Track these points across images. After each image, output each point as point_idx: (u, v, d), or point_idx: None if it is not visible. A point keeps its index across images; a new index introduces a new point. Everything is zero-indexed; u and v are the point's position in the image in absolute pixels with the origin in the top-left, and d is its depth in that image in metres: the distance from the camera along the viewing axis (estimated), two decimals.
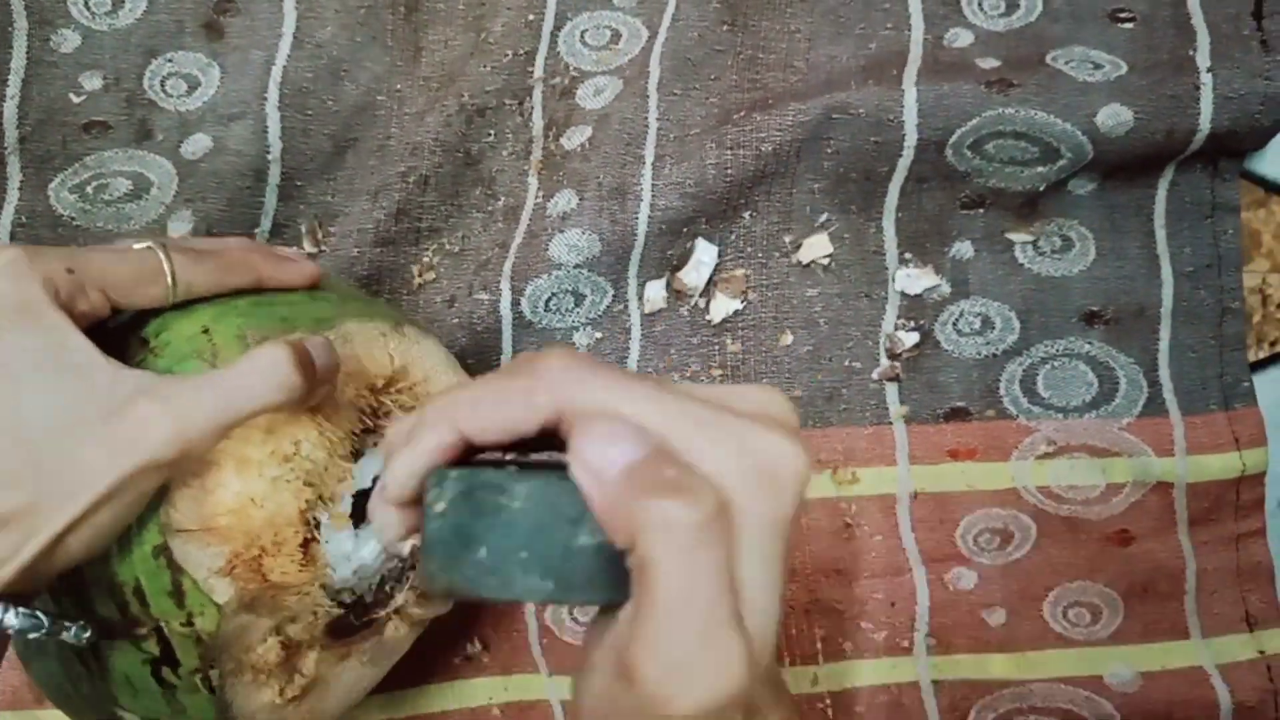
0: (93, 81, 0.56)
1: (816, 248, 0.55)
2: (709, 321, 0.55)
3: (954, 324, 0.55)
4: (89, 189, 0.55)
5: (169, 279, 0.39)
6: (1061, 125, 0.51)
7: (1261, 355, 0.55)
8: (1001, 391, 0.55)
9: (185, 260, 0.40)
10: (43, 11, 0.56)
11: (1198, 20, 0.54)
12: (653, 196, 0.54)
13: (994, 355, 0.55)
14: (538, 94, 0.57)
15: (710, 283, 0.55)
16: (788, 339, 0.55)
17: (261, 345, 0.37)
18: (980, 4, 0.56)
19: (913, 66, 0.53)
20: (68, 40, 0.56)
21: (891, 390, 0.55)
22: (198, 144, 0.54)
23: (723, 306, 0.55)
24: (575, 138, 0.56)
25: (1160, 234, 0.55)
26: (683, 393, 0.29)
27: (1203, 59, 0.52)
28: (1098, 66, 0.52)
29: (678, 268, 0.55)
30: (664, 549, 0.26)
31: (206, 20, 0.57)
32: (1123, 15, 0.55)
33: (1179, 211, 0.54)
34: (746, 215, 0.55)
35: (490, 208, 0.57)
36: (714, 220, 0.55)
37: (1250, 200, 0.55)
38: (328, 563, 0.41)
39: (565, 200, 0.55)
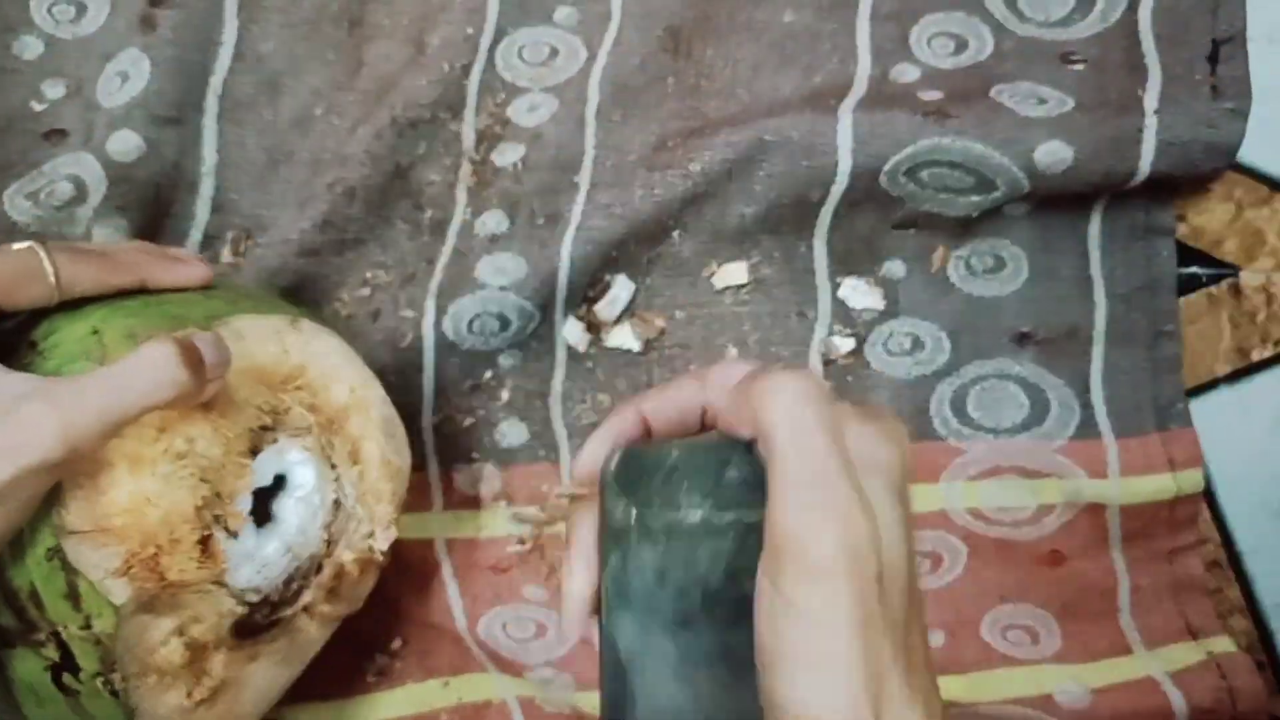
0: (55, 90, 0.57)
1: (732, 275, 0.55)
2: (628, 349, 0.56)
3: (884, 344, 0.55)
4: (41, 195, 0.56)
5: (51, 278, 0.40)
6: (999, 159, 0.50)
7: (1266, 354, 0.54)
8: (932, 412, 0.54)
9: (67, 259, 0.40)
10: (5, 18, 0.57)
11: (1151, 60, 0.53)
12: (581, 218, 0.54)
13: (924, 376, 0.54)
14: (470, 107, 0.57)
15: (626, 313, 0.56)
16: (732, 353, 0.55)
17: (148, 342, 0.37)
18: (929, 42, 0.56)
19: (853, 97, 0.53)
20: (30, 47, 0.57)
21: None
22: (126, 141, 0.54)
23: (618, 338, 0.56)
24: (508, 155, 0.56)
25: (1094, 255, 0.54)
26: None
27: (1151, 100, 0.51)
28: (1042, 101, 0.52)
29: (594, 300, 0.55)
30: (777, 411, 0.30)
31: (142, 14, 0.56)
32: (1074, 58, 0.54)
33: (1113, 233, 0.54)
34: (675, 234, 0.55)
35: (417, 220, 0.57)
36: (642, 242, 0.54)
37: (1253, 199, 0.54)
38: (227, 561, 0.41)
39: (495, 221, 0.56)
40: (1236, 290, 0.55)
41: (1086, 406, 0.53)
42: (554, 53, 0.57)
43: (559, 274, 0.54)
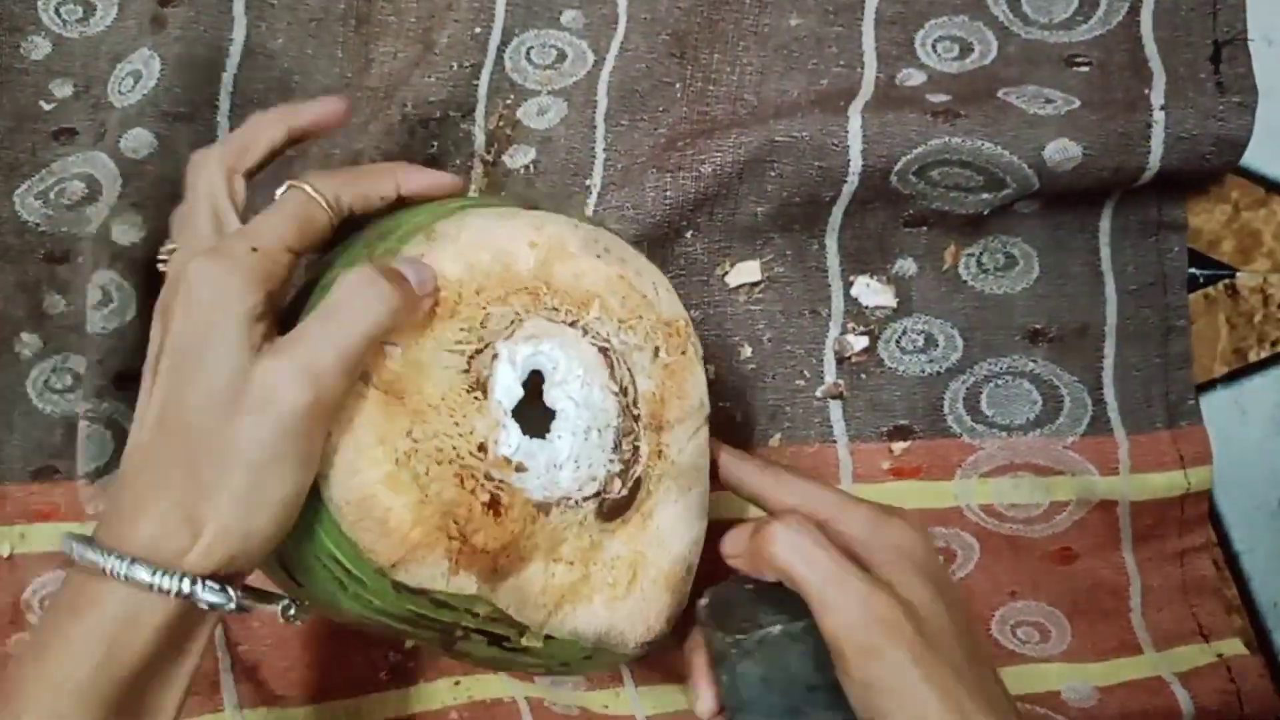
0: (63, 89, 0.57)
1: (745, 273, 0.55)
2: None
3: (897, 341, 0.55)
4: (51, 194, 0.56)
5: (324, 205, 0.41)
6: (1008, 157, 0.50)
7: (1263, 355, 0.55)
8: (945, 410, 0.54)
9: (326, 182, 0.42)
10: (13, 18, 0.57)
11: (1155, 64, 0.53)
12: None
13: (937, 373, 0.55)
14: (480, 108, 0.57)
15: None
16: (746, 351, 0.55)
17: (348, 271, 0.38)
18: (934, 46, 0.56)
19: (861, 100, 0.53)
20: (38, 47, 0.57)
21: (835, 408, 0.55)
22: (138, 139, 0.54)
23: None
24: (519, 158, 0.56)
25: (1105, 251, 0.54)
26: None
27: (1157, 97, 0.51)
28: (1049, 101, 0.52)
29: None
30: (781, 552, 0.39)
31: (153, 13, 0.57)
32: (1079, 60, 0.55)
33: (1124, 229, 0.54)
34: (688, 235, 0.55)
35: None
36: (655, 243, 0.54)
37: (1250, 200, 0.54)
38: (532, 493, 0.41)
39: None
40: (1233, 291, 0.55)
41: (1099, 403, 0.54)
42: (561, 56, 0.58)
43: None
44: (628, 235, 0.53)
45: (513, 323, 0.41)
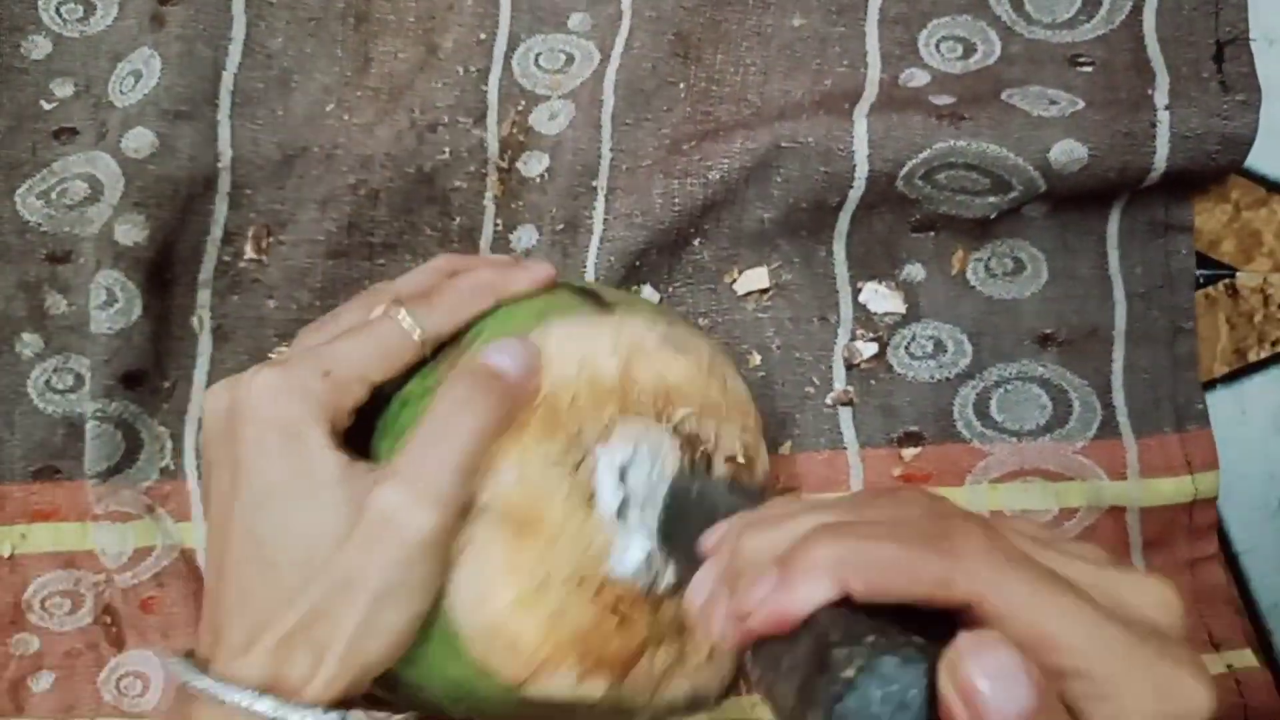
0: (64, 89, 0.57)
1: (753, 280, 0.55)
2: None
3: (906, 347, 0.55)
4: (53, 194, 0.55)
5: (417, 337, 0.40)
6: (1014, 159, 0.50)
7: (1263, 355, 0.55)
8: (955, 415, 0.54)
9: (424, 311, 0.40)
10: (13, 18, 0.57)
11: (1157, 64, 0.54)
12: (603, 229, 0.54)
13: (947, 379, 0.54)
14: (492, 114, 0.57)
15: None
16: (755, 359, 0.55)
17: (447, 378, 0.38)
18: (937, 46, 0.56)
19: (865, 102, 0.53)
20: (39, 47, 0.57)
21: (845, 415, 0.55)
22: (140, 138, 0.53)
23: None
24: (534, 165, 0.56)
25: (1112, 254, 0.54)
26: (1091, 589, 0.27)
27: (1161, 98, 0.52)
28: (1054, 102, 0.52)
29: None
30: (970, 559, 0.27)
31: (152, 12, 0.57)
32: (1082, 60, 0.55)
33: (1131, 231, 0.54)
34: (696, 242, 0.55)
35: (445, 227, 0.56)
36: (663, 251, 0.54)
37: (1251, 200, 0.54)
38: (644, 591, 0.41)
39: (528, 236, 0.56)
40: (1234, 291, 0.55)
41: (1108, 406, 0.54)
42: (570, 59, 0.57)
43: None
44: (638, 243, 0.53)
45: (606, 427, 0.41)
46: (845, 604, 0.29)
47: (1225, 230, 0.55)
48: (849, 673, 0.26)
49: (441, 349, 0.43)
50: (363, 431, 0.42)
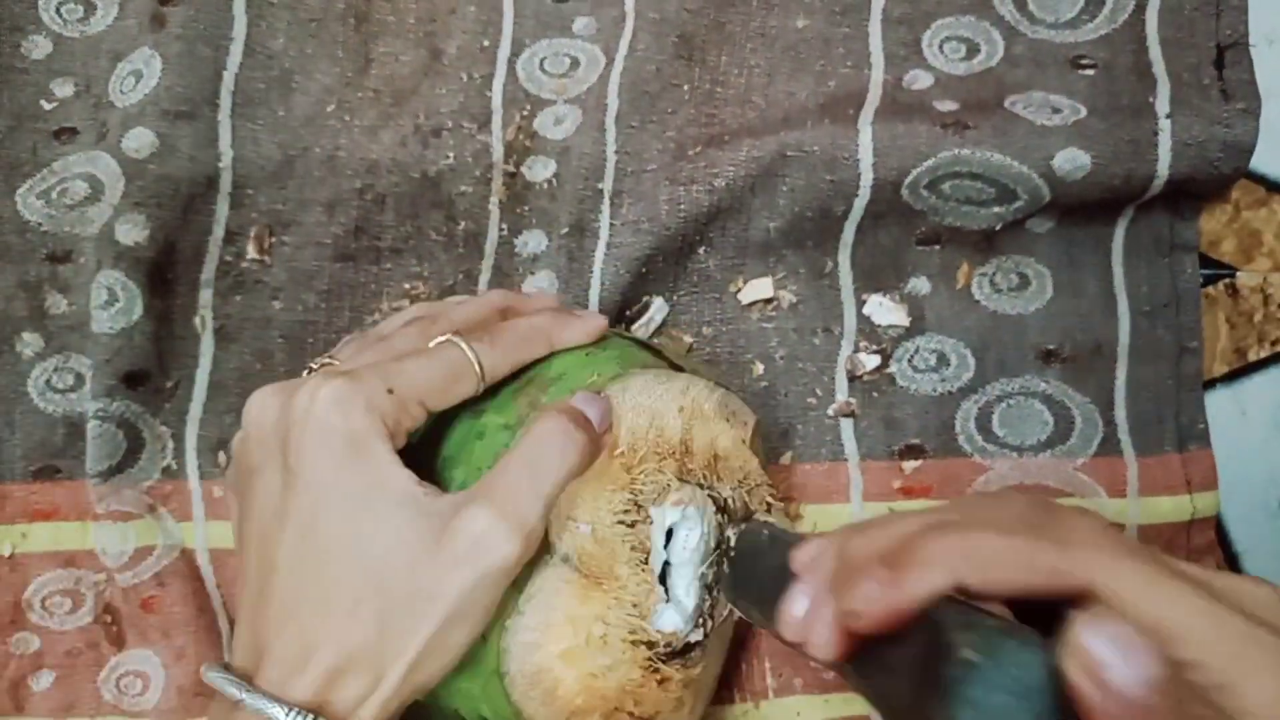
0: (64, 89, 0.57)
1: (758, 290, 0.55)
2: None
3: (910, 360, 0.55)
4: (54, 194, 0.55)
5: (477, 370, 0.40)
6: (1018, 168, 0.50)
7: (1262, 355, 0.55)
8: (957, 429, 0.54)
9: (487, 348, 0.40)
10: (13, 18, 0.57)
11: (1159, 69, 0.54)
12: (610, 235, 0.54)
13: (949, 392, 0.54)
14: (497, 119, 0.56)
15: (656, 332, 0.55)
16: (759, 369, 0.55)
17: (535, 419, 0.38)
18: (940, 46, 0.56)
19: (870, 107, 0.53)
20: (39, 47, 0.57)
21: (847, 426, 0.55)
22: (140, 139, 0.53)
23: None
24: (539, 171, 0.56)
25: (1118, 271, 0.54)
26: (1202, 584, 0.27)
27: (1162, 105, 0.52)
28: (1056, 110, 0.52)
29: (632, 320, 0.55)
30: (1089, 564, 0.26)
31: (152, 12, 0.56)
32: (1084, 62, 0.54)
33: (1137, 249, 0.54)
34: (701, 250, 0.55)
35: (451, 232, 0.56)
36: (669, 258, 0.54)
37: (1251, 200, 0.54)
38: (676, 647, 0.41)
39: (535, 242, 0.56)
40: (1234, 291, 0.55)
41: (1110, 424, 0.54)
42: (575, 64, 0.57)
43: (590, 293, 0.54)
44: (644, 250, 0.53)
45: (665, 489, 0.42)
46: (955, 603, 0.29)
47: (1225, 230, 0.55)
48: (970, 655, 0.26)
49: (496, 388, 0.43)
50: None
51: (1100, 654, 0.24)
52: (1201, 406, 0.54)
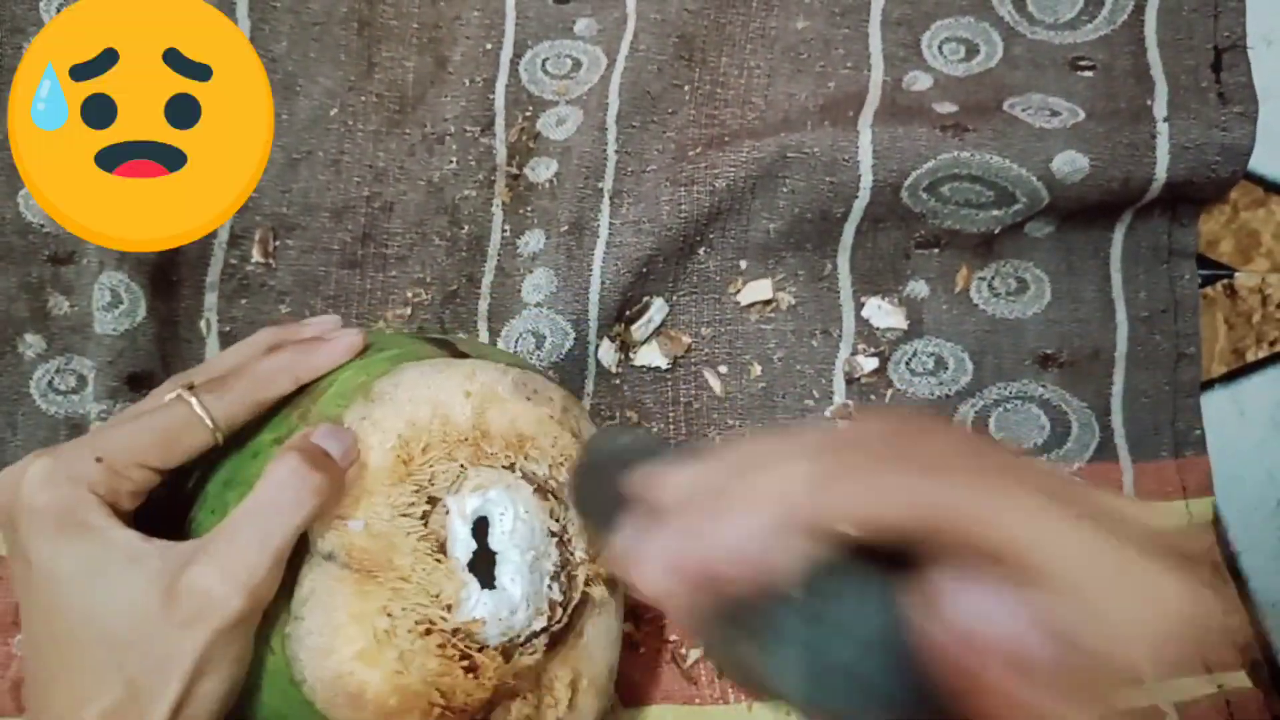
0: None
1: (757, 291, 0.55)
2: (656, 367, 0.55)
3: (907, 363, 0.55)
4: None
5: (208, 423, 0.39)
6: (1017, 170, 0.50)
7: (1261, 355, 0.55)
8: None
9: (215, 397, 0.39)
10: (14, 19, 0.57)
11: (1157, 71, 0.54)
12: (609, 234, 0.54)
13: (947, 396, 0.55)
14: (500, 121, 0.57)
15: (655, 332, 0.56)
16: (756, 370, 0.55)
17: (270, 464, 0.37)
18: (940, 48, 0.56)
19: (869, 109, 0.53)
20: None
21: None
22: None
23: (646, 357, 0.55)
24: (541, 171, 0.56)
25: (1116, 277, 0.54)
26: (1095, 512, 0.24)
27: (1160, 109, 0.52)
28: (1055, 113, 0.52)
29: (631, 320, 0.55)
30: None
31: None
32: (1083, 63, 0.55)
33: (1135, 255, 0.54)
34: (701, 251, 0.55)
35: (454, 236, 0.56)
36: (669, 258, 0.54)
37: (1249, 200, 0.54)
38: (491, 642, 0.40)
39: (536, 241, 0.56)
40: (1232, 291, 0.55)
41: (1106, 429, 0.54)
42: (577, 65, 0.57)
43: (590, 292, 0.54)
44: (644, 250, 0.53)
45: (458, 476, 0.41)
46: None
47: (1223, 230, 0.55)
48: (803, 595, 0.24)
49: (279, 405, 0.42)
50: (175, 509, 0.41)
51: (958, 614, 0.23)
52: (1198, 413, 0.54)
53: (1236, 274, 0.55)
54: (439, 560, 0.40)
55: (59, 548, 0.36)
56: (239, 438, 0.41)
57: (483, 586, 0.40)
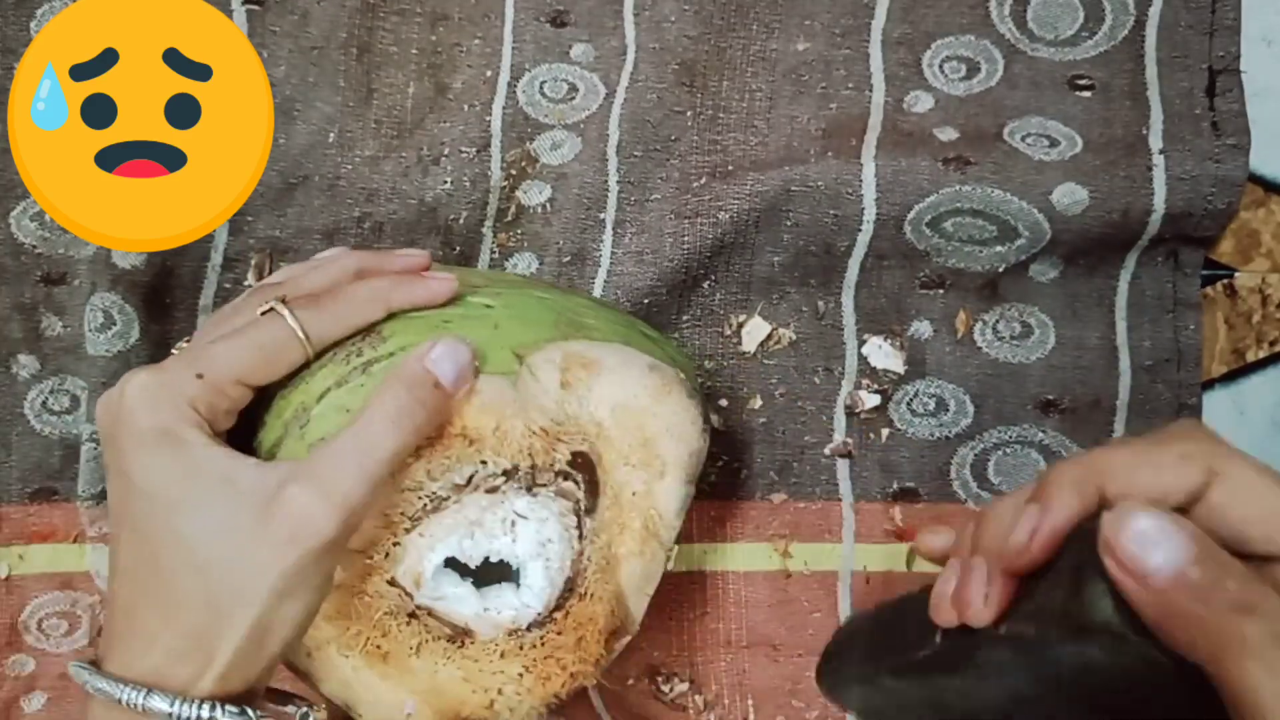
0: None
1: (760, 329, 0.55)
2: None
3: (908, 404, 0.55)
4: (46, 216, 0.55)
5: (301, 337, 0.39)
6: (1018, 203, 0.50)
7: (1261, 355, 0.55)
8: (952, 475, 0.54)
9: (311, 314, 0.40)
10: (5, 40, 0.56)
11: (1153, 93, 0.54)
12: (611, 263, 0.53)
13: (946, 438, 0.54)
14: (496, 143, 0.56)
15: None
16: (756, 403, 0.55)
17: (379, 389, 0.37)
18: (941, 67, 0.55)
19: (872, 135, 0.53)
20: None
21: (842, 467, 0.55)
22: None
23: None
24: (534, 195, 0.56)
25: (1121, 326, 0.54)
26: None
27: (1155, 140, 0.52)
28: (1053, 143, 0.52)
29: None
30: (1257, 673, 0.27)
31: None
32: (1082, 83, 0.54)
33: (1140, 304, 0.54)
34: (706, 285, 0.55)
35: (445, 257, 0.56)
36: (673, 290, 0.54)
37: (1249, 200, 0.54)
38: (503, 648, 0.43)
39: (525, 264, 0.55)
40: (1232, 291, 0.55)
41: None
42: (573, 90, 0.56)
43: None
44: (644, 279, 0.53)
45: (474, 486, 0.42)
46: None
47: (1223, 230, 0.54)
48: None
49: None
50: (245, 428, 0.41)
51: (1126, 547, 0.28)
52: (1199, 414, 0.54)
53: (1236, 274, 0.55)
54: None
55: (159, 466, 0.36)
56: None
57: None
